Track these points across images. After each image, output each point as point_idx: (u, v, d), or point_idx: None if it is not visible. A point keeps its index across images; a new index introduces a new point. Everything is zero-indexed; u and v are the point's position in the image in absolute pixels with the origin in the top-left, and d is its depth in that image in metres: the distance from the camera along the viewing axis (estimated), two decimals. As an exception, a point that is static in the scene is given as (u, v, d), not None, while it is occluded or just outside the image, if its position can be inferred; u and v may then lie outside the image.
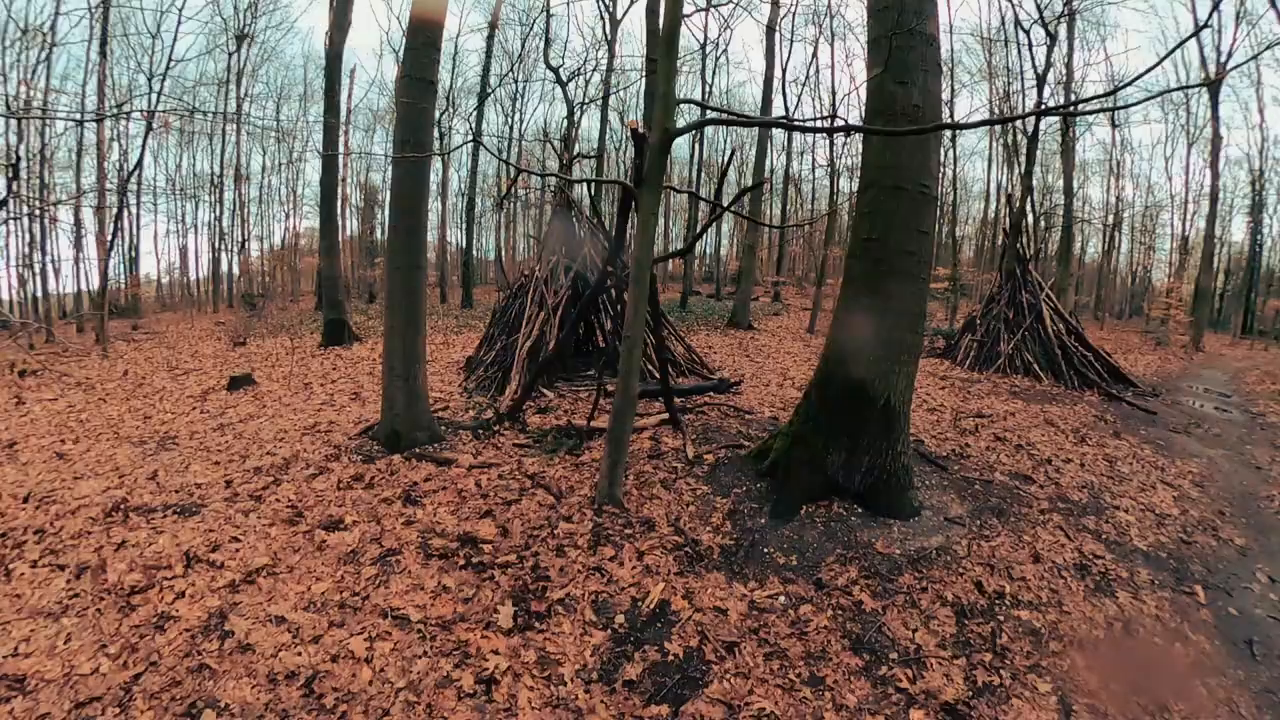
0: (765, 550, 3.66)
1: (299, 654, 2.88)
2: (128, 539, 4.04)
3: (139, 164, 13.68)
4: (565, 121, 10.58)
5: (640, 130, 3.29)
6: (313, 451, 6.26)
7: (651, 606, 3.15)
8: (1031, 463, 5.69)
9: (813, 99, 24.83)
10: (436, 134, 25.51)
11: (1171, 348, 18.48)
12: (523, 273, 7.33)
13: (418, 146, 5.35)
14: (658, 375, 8.67)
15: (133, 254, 25.91)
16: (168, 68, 13.30)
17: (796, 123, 3.35)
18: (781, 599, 3.24)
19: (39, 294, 19.78)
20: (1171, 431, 7.75)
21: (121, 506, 4.70)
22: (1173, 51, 2.60)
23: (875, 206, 4.08)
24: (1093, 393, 9.55)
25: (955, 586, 3.43)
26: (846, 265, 4.39)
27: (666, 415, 5.89)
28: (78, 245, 19.90)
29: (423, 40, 5.28)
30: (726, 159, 4.49)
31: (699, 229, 4.04)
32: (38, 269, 18.19)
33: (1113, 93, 2.97)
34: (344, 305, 13.79)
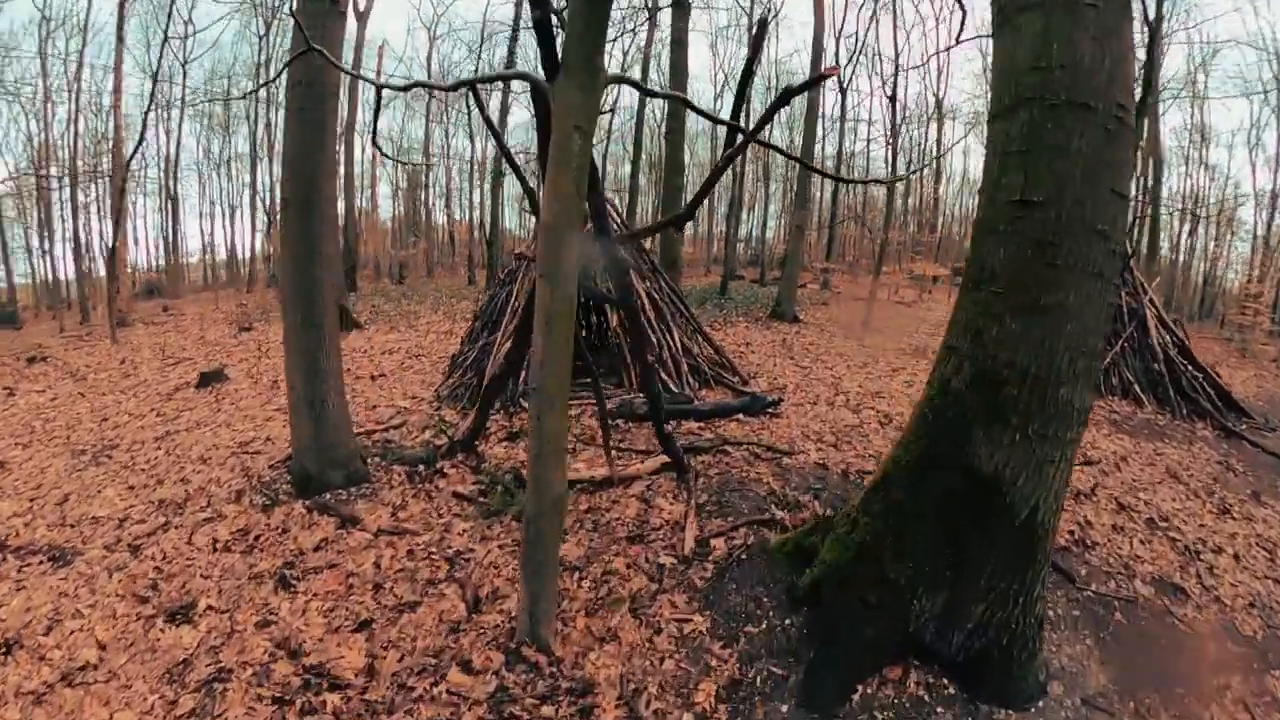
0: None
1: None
2: (-15, 595, 3.53)
3: (139, 144, 12.87)
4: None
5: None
6: (223, 484, 5.13)
7: None
8: (1176, 557, 4.15)
9: (868, 69, 22.28)
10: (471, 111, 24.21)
11: (1259, 360, 15.50)
12: (514, 255, 5.81)
13: (316, 90, 3.79)
14: (675, 386, 7.00)
15: (171, 235, 25.92)
16: (166, 37, 12.28)
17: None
18: None
19: (72, 276, 19.76)
20: (1311, 487, 5.91)
21: (4, 546, 4.29)
22: None
23: (1034, 142, 2.18)
24: (1205, 424, 7.72)
25: None
26: (974, 249, 2.42)
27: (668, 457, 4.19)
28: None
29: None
30: (755, 33, 2.40)
31: (708, 178, 2.22)
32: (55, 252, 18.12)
33: None
34: (343, 290, 12.65)
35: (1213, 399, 8.23)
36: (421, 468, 4.64)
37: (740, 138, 1.98)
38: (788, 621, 2.56)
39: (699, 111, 2.05)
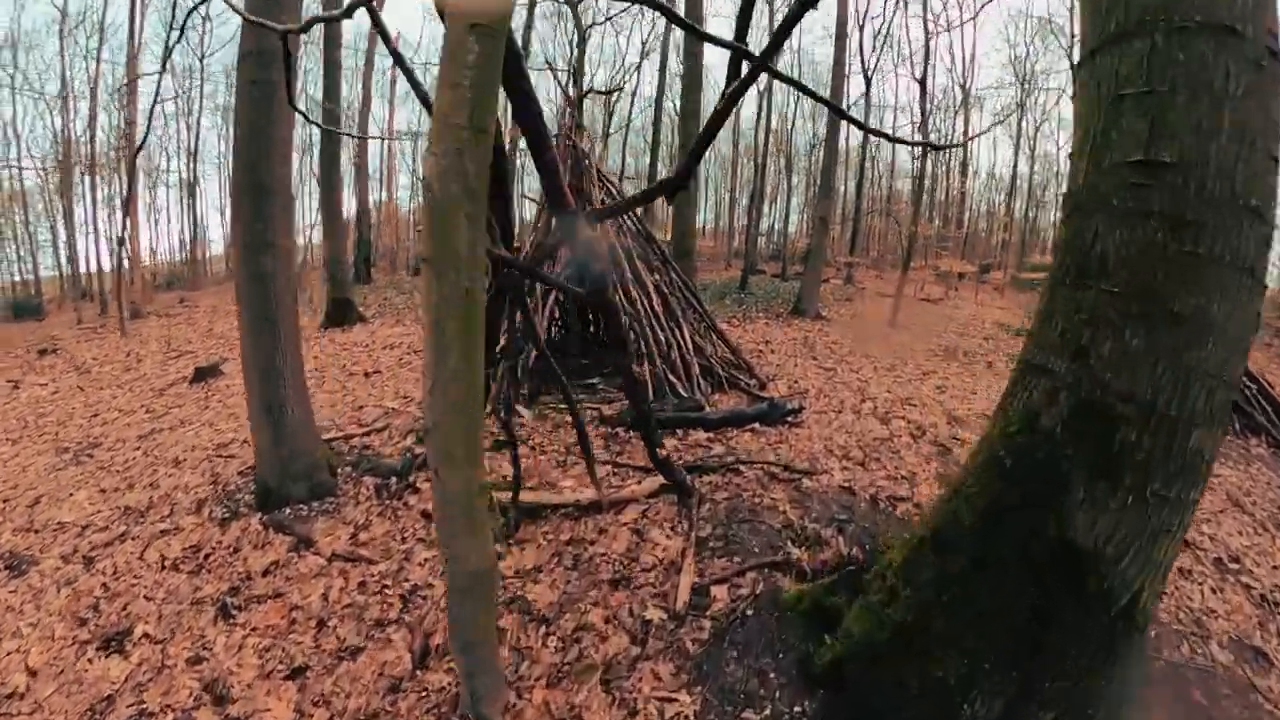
0: None
1: None
2: (-69, 610, 3.39)
3: (146, 134, 12.70)
4: (576, 48, 8.24)
5: None
6: (190, 491, 4.77)
7: None
8: (1253, 609, 3.56)
9: (894, 58, 21.34)
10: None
11: (1296, 363, 14.37)
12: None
13: (266, 59, 3.33)
14: (684, 390, 6.45)
15: (190, 227, 26.15)
16: (171, 26, 12.07)
17: None
18: None
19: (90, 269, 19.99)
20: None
21: (-37, 554, 4.06)
22: None
23: (1161, 78, 1.57)
24: (1260, 441, 6.97)
25: None
26: (1070, 231, 1.74)
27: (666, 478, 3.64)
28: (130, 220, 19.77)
29: None
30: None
31: (710, 120, 1.62)
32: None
33: None
34: (348, 284, 12.46)
35: (1268, 413, 7.35)
36: (394, 480, 4.18)
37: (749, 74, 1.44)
38: (798, 709, 1.99)
39: (693, 29, 1.49)
